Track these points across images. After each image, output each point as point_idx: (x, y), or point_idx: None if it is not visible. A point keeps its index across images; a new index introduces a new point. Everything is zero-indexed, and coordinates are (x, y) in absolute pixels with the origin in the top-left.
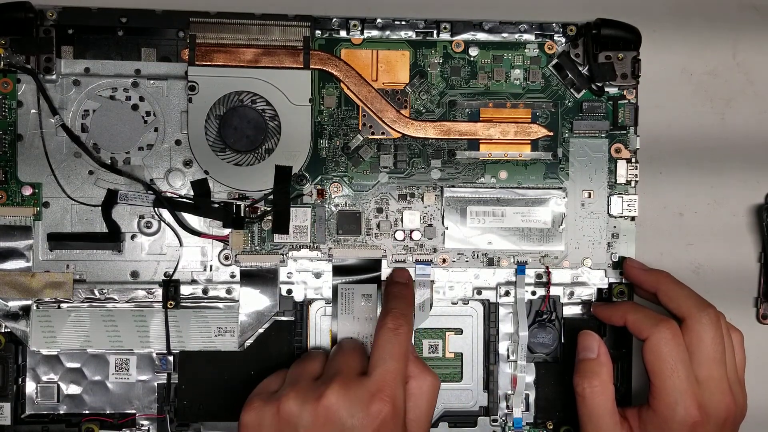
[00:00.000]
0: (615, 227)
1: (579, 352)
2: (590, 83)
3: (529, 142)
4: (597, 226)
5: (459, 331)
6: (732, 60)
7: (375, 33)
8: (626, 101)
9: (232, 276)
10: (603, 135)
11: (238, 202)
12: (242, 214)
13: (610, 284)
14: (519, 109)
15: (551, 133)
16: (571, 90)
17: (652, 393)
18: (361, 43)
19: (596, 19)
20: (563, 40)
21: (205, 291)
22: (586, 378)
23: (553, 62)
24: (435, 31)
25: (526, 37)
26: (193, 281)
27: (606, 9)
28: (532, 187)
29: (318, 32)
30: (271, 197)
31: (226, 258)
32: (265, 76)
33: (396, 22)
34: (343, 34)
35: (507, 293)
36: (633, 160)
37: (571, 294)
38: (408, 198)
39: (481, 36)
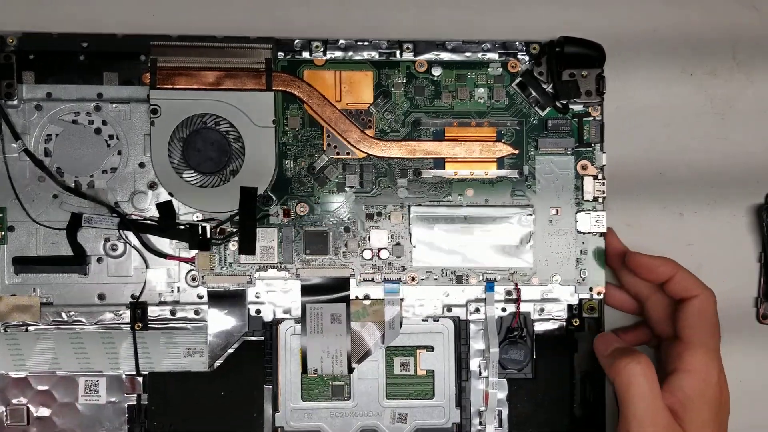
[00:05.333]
0: (583, 243)
1: (608, 347)
2: (555, 101)
3: (495, 160)
4: (565, 243)
5: (430, 349)
6: (732, 60)
7: (338, 54)
8: (591, 118)
9: (200, 297)
10: (569, 152)
11: (204, 224)
12: (208, 236)
13: (580, 300)
14: (484, 127)
15: (516, 151)
16: (536, 108)
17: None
18: (324, 65)
19: (559, 37)
20: (527, 58)
21: (173, 312)
22: (630, 356)
23: (517, 80)
24: (398, 52)
25: (490, 56)
26: (161, 303)
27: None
28: (499, 205)
29: (280, 54)
30: (237, 218)
31: (193, 279)
32: (227, 98)
33: (359, 43)
34: (306, 55)
35: (477, 310)
36: (600, 176)
37: (542, 310)
38: (375, 217)
39: (445, 56)
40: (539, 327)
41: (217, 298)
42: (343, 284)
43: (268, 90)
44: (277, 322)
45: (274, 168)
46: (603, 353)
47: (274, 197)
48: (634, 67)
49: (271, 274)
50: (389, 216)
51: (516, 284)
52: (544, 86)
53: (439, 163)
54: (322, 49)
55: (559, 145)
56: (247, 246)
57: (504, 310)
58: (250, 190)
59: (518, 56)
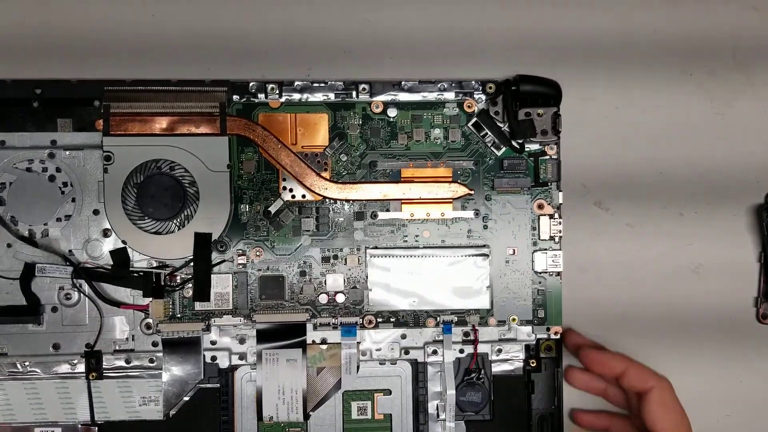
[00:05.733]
0: (540, 283)
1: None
2: (510, 140)
3: (451, 201)
4: (522, 283)
5: (388, 392)
6: (732, 60)
7: (294, 96)
8: (548, 157)
9: (155, 345)
10: (525, 192)
11: (158, 271)
12: (162, 283)
13: (538, 340)
14: (440, 168)
15: (472, 192)
16: (492, 148)
17: None
18: (279, 107)
19: (515, 75)
20: (483, 97)
21: (127, 361)
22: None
23: (473, 121)
24: (354, 92)
25: (446, 96)
26: (116, 351)
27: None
28: (456, 246)
29: (236, 97)
30: (191, 264)
31: (148, 327)
32: (181, 143)
33: (314, 84)
34: (261, 98)
35: (435, 352)
36: (556, 215)
37: (500, 351)
38: (331, 260)
39: (401, 96)
40: (497, 368)
41: (172, 346)
42: (299, 329)
43: (222, 134)
44: (232, 368)
45: (229, 213)
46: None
47: (229, 242)
48: (633, 67)
49: (226, 321)
50: (345, 259)
51: (474, 326)
52: (500, 126)
53: (396, 204)
54: (277, 92)
55: (515, 185)
56: (201, 293)
57: (462, 351)
58: (204, 236)
59: (474, 95)
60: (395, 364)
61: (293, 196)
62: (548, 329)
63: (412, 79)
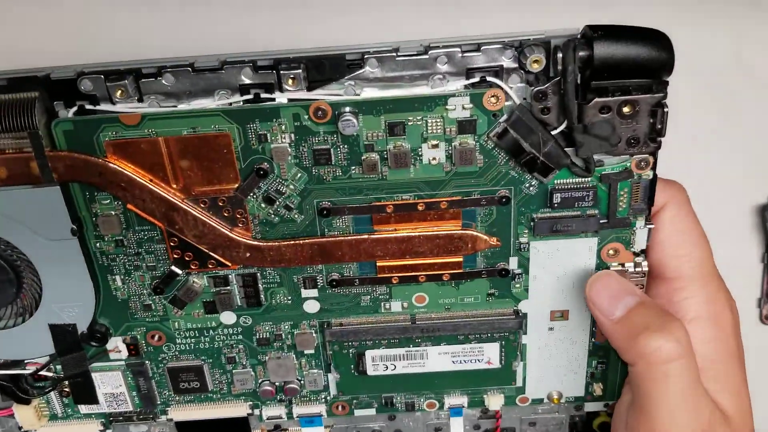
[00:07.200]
0: (601, 354)
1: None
2: (567, 156)
3: (461, 257)
4: (573, 355)
5: None
6: (733, 58)
7: (163, 103)
8: (636, 177)
9: None
10: (590, 234)
11: (14, 372)
12: (24, 385)
13: (588, 415)
14: (441, 209)
15: (498, 244)
16: (535, 173)
17: None
18: (140, 123)
19: (583, 28)
20: (518, 80)
21: None
22: (663, 332)
23: (500, 128)
24: (275, 81)
25: (450, 85)
26: None
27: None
28: (467, 318)
29: (61, 110)
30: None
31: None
32: None
33: (201, 72)
34: (104, 106)
35: (438, 430)
36: (637, 265)
37: (533, 424)
38: (273, 341)
39: (366, 90)
40: None
41: None
42: (240, 425)
43: (47, 183)
44: None
45: (96, 291)
46: (611, 312)
47: (109, 328)
48: None
49: (130, 422)
50: (293, 339)
51: (497, 412)
52: (551, 130)
53: (368, 266)
54: (131, 91)
55: (572, 227)
56: (85, 396)
57: (477, 427)
58: (64, 328)
59: (507, 74)
60: None
61: (195, 265)
62: (607, 405)
63: (383, 47)
